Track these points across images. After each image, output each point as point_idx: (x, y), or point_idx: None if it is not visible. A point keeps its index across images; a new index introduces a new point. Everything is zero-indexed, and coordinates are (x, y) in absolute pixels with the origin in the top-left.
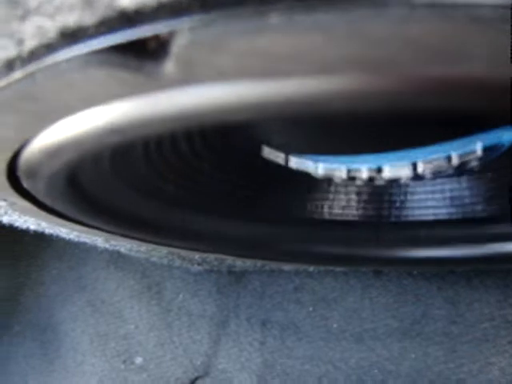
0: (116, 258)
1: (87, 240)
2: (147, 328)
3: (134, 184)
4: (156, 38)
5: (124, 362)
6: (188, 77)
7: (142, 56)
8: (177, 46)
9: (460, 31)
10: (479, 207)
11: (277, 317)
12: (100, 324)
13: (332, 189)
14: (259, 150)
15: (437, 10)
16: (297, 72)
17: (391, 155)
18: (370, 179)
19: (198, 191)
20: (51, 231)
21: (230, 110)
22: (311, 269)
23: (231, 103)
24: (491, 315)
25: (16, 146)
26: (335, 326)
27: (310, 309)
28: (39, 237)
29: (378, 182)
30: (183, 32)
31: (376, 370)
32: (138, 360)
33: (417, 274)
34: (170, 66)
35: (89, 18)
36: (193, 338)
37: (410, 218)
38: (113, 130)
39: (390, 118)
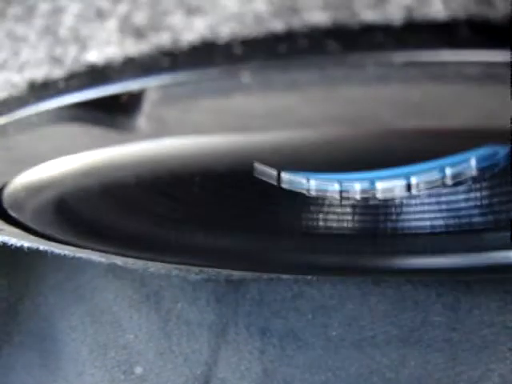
0: (114, 268)
1: (82, 256)
2: (146, 338)
3: (126, 203)
4: (127, 93)
5: (124, 372)
6: (161, 131)
7: (113, 112)
8: (148, 103)
9: (441, 89)
10: (476, 217)
11: (276, 325)
12: (99, 334)
13: (327, 202)
14: (251, 170)
15: (417, 69)
16: (273, 128)
17: (384, 172)
18: (364, 199)
19: (189, 208)
20: (45, 248)
21: (204, 162)
22: (310, 276)
23: (206, 155)
24: (491, 322)
25: None
26: (334, 333)
27: (309, 317)
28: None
29: (373, 202)
30: (154, 89)
31: (376, 378)
32: (138, 370)
33: (416, 280)
34: (141, 121)
35: (57, 73)
36: (192, 348)
37: (407, 229)
38: (87, 175)
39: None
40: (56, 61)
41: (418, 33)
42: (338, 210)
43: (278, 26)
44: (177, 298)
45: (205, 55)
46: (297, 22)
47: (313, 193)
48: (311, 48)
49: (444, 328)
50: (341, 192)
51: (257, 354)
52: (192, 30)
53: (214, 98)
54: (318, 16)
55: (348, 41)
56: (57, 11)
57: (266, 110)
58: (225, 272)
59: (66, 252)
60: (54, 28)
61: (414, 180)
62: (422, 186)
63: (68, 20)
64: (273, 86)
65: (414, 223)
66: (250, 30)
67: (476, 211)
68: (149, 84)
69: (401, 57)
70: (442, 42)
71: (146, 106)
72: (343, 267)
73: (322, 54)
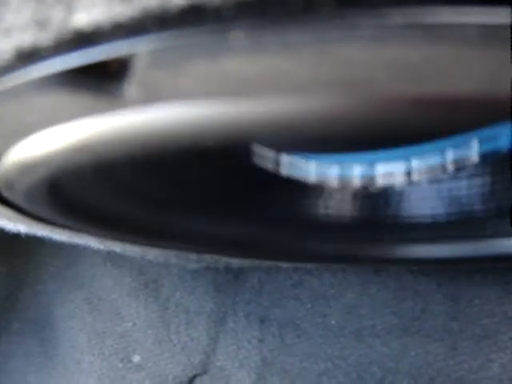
0: (112, 255)
1: (80, 242)
2: (145, 326)
3: (120, 186)
4: (115, 59)
5: (122, 360)
6: (151, 98)
7: (102, 78)
8: (137, 68)
9: (439, 51)
10: (478, 204)
11: (275, 314)
12: (97, 322)
13: (326, 189)
14: (250, 152)
15: (413, 31)
16: (266, 93)
17: (384, 154)
18: (364, 187)
19: (186, 191)
20: (43, 234)
21: (195, 132)
22: (309, 265)
23: (197, 124)
24: (492, 311)
25: None
26: (334, 322)
27: (309, 306)
28: (36, 235)
29: (372, 190)
30: (142, 53)
31: (375, 368)
32: (136, 358)
33: (416, 270)
34: (131, 87)
35: (44, 39)
36: (191, 336)
37: (407, 217)
38: (78, 150)
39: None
40: (41, 25)
41: None
42: (338, 197)
43: None
44: (176, 286)
45: (194, 17)
46: None
47: (312, 179)
48: (305, 7)
49: (444, 317)
50: (340, 178)
51: (256, 343)
52: None
53: (204, 62)
54: None
55: None
56: None
57: (258, 73)
58: (224, 260)
59: (63, 237)
60: None
61: (414, 163)
62: (422, 170)
63: None
64: (265, 47)
65: (414, 211)
66: None
67: (478, 198)
68: (137, 48)
69: (399, 16)
70: None
71: (135, 71)
72: (343, 255)
73: (316, 14)
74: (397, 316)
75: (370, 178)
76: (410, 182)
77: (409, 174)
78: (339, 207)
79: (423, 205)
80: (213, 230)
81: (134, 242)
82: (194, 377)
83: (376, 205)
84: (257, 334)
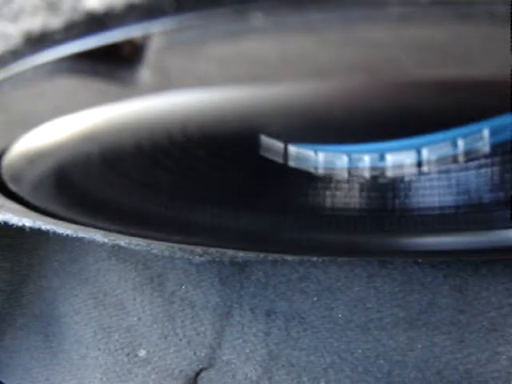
0: (117, 250)
1: (85, 235)
2: (150, 320)
3: (128, 177)
4: (128, 42)
5: (127, 354)
6: (166, 84)
7: (115, 63)
8: (152, 52)
9: (469, 30)
10: (486, 194)
11: (281, 307)
12: (103, 316)
13: (334, 180)
14: (258, 144)
15: (443, 8)
16: (286, 77)
17: (394, 143)
18: (374, 178)
19: (194, 182)
20: (47, 228)
21: (214, 119)
22: (315, 258)
23: (215, 111)
24: (499, 303)
25: None
26: (340, 316)
27: (315, 299)
28: (40, 229)
29: (382, 180)
30: (158, 36)
31: (382, 361)
32: (142, 353)
33: (423, 262)
34: (145, 73)
35: (54, 22)
36: (196, 330)
37: (415, 207)
38: (86, 140)
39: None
40: (52, 7)
41: None
42: (346, 188)
43: None
44: (181, 280)
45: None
46: None
47: (320, 171)
48: None
49: (451, 310)
50: (349, 169)
51: (262, 337)
52: None
53: (222, 43)
54: None
55: None
56: None
57: (279, 56)
58: (229, 253)
59: (68, 231)
60: None
61: (425, 152)
62: (432, 160)
63: None
64: (286, 28)
65: (422, 201)
66: None
67: (486, 188)
68: (152, 30)
69: None
70: None
71: (149, 55)
72: (350, 247)
73: None
74: (403, 309)
75: (380, 169)
76: (421, 173)
77: (419, 164)
78: (347, 199)
79: (431, 196)
80: (220, 223)
81: (140, 235)
82: (201, 371)
83: (384, 197)
84: (263, 328)
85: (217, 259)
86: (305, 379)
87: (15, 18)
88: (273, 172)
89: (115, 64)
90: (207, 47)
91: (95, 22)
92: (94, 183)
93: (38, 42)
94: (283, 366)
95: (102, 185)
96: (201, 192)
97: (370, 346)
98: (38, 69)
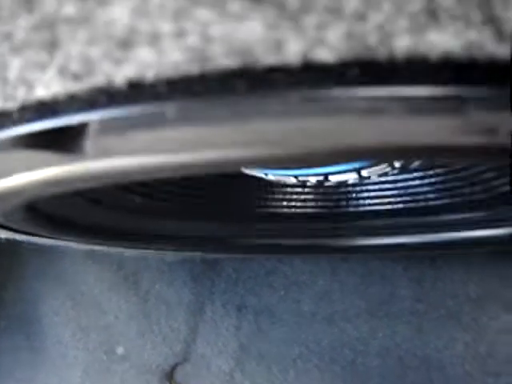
0: (92, 252)
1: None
2: (127, 318)
3: (93, 200)
4: (73, 125)
5: (106, 352)
6: (104, 154)
7: (62, 138)
8: (91, 131)
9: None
10: (432, 200)
11: (251, 302)
12: (81, 316)
13: (289, 188)
14: None
15: (313, 104)
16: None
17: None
18: (319, 183)
19: (155, 197)
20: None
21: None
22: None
23: (144, 169)
24: (455, 293)
25: None
26: (307, 308)
27: (282, 293)
28: None
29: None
30: (95, 122)
31: (347, 350)
32: (120, 350)
33: (383, 255)
34: (87, 146)
35: (10, 106)
36: (171, 326)
37: (367, 211)
38: (47, 185)
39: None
40: (8, 97)
41: (312, 73)
42: (301, 193)
43: (193, 69)
44: (154, 278)
45: (135, 94)
46: (208, 66)
47: (271, 178)
48: (222, 88)
49: (410, 300)
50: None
51: (233, 331)
52: (121, 74)
53: (144, 131)
54: (225, 61)
55: (253, 81)
56: (2, 66)
57: (191, 139)
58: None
59: (43, 242)
60: (2, 75)
61: (364, 172)
62: (373, 177)
63: (14, 71)
64: (192, 120)
65: (373, 205)
66: (170, 73)
67: (432, 195)
68: (89, 118)
69: (298, 94)
70: (333, 80)
71: (90, 133)
72: (307, 247)
73: (231, 93)
74: (366, 300)
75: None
76: (369, 180)
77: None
78: (301, 203)
79: (382, 203)
80: (186, 232)
81: (111, 245)
82: (176, 365)
83: (337, 199)
84: (234, 322)
85: (188, 257)
86: (275, 370)
87: None
88: (231, 183)
89: (62, 139)
90: (134, 132)
91: (44, 108)
92: (63, 207)
93: None
94: (254, 357)
95: (70, 207)
96: (166, 205)
97: (336, 336)
98: None
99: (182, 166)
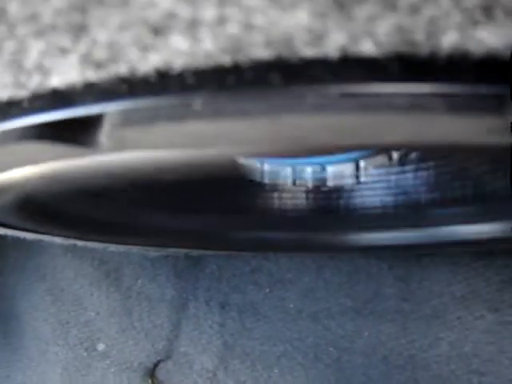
0: (73, 246)
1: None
2: (108, 314)
3: (81, 192)
4: (88, 116)
5: (86, 349)
6: (120, 148)
7: (76, 130)
8: (108, 124)
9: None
10: (423, 194)
11: (235, 299)
12: (61, 312)
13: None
14: None
15: (351, 99)
16: (220, 146)
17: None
18: (317, 187)
19: (146, 192)
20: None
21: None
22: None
23: (163, 164)
24: (440, 292)
25: None
26: (292, 306)
27: (267, 290)
28: None
29: (324, 189)
30: (114, 113)
31: (332, 348)
32: (101, 347)
33: (368, 254)
34: (102, 139)
35: (22, 94)
36: (154, 323)
37: (359, 207)
38: (47, 181)
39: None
40: (21, 85)
41: (351, 67)
42: (292, 189)
43: (225, 59)
44: (137, 274)
45: (160, 84)
46: (242, 57)
47: (266, 180)
48: (256, 80)
49: (396, 299)
50: (294, 180)
51: (217, 328)
52: (147, 63)
53: (168, 124)
54: (261, 52)
55: (289, 74)
56: (20, 51)
57: (216, 133)
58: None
59: (27, 236)
60: (18, 62)
61: (362, 163)
62: (370, 168)
63: (32, 57)
64: (222, 113)
65: (365, 201)
66: (201, 63)
67: (423, 189)
68: (108, 109)
69: (336, 88)
70: (372, 75)
71: (106, 126)
72: (298, 244)
73: (266, 86)
74: (351, 298)
75: (322, 179)
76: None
77: (357, 168)
78: (294, 200)
79: (373, 196)
80: (173, 227)
81: (95, 240)
82: (159, 362)
83: (328, 196)
84: (218, 319)
85: (172, 253)
86: (259, 367)
87: None
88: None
89: (76, 131)
90: (155, 125)
91: (58, 97)
92: (51, 199)
93: (6, 109)
94: (238, 355)
95: (58, 199)
96: (154, 199)
97: (320, 334)
98: (6, 133)
99: (207, 162)
